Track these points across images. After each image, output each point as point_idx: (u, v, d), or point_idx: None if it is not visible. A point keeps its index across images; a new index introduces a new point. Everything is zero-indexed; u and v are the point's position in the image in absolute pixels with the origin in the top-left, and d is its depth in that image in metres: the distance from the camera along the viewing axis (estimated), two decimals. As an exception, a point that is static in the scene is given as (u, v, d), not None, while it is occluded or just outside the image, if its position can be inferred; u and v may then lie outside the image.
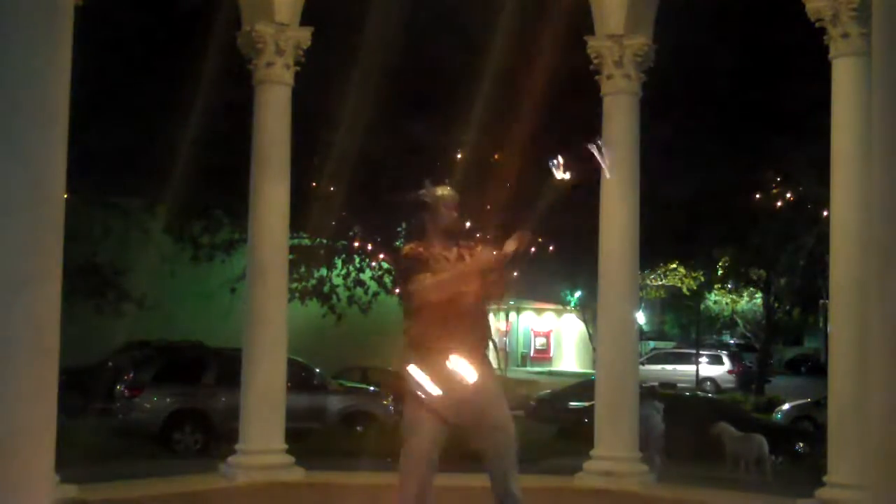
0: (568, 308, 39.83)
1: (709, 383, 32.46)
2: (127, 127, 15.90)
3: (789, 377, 38.62)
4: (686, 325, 43.52)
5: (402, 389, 5.15)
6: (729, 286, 34.45)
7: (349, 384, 19.69)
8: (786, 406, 22.33)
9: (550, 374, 39.23)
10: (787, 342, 44.65)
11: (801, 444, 17.51)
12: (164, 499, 7.73)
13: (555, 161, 5.05)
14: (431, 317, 4.98)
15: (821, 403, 17.40)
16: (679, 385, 27.70)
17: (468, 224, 5.46)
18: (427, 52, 14.99)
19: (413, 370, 4.95)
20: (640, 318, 32.70)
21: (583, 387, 20.55)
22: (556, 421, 19.11)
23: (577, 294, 35.32)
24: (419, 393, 4.93)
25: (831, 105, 7.52)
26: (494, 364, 5.36)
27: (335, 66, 13.33)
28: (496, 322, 41.15)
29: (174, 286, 22.53)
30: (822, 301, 31.72)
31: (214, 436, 14.80)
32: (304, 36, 8.85)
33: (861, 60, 7.12)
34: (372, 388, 19.26)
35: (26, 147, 4.50)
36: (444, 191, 5.28)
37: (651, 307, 43.80)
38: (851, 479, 6.90)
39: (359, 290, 20.21)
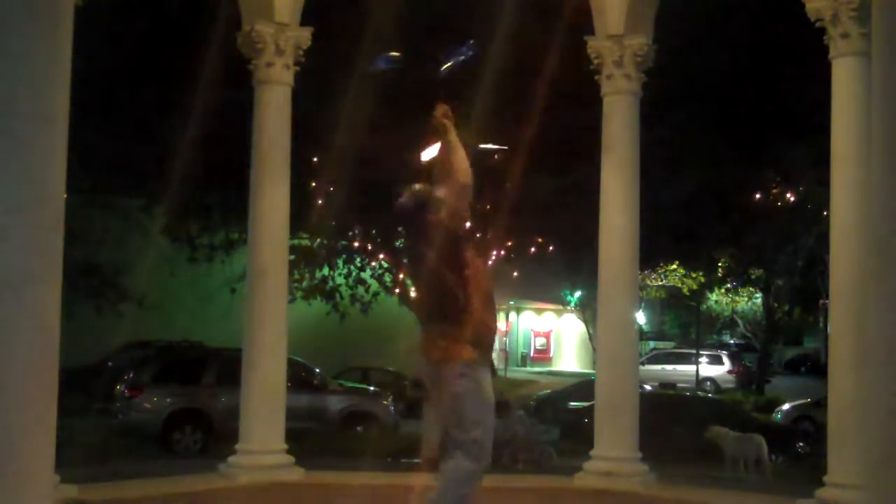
0: (568, 308, 39.86)
1: (709, 383, 32.46)
2: (127, 127, 15.88)
3: (789, 377, 38.64)
4: (686, 325, 43.56)
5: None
6: (729, 286, 34.45)
7: (349, 384, 19.71)
8: (786, 406, 22.33)
9: (550, 374, 39.24)
10: (787, 342, 44.67)
11: (801, 444, 17.51)
12: (164, 499, 7.73)
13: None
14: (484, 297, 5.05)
15: (821, 403, 17.39)
16: (679, 385, 27.76)
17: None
18: (426, 51, 14.97)
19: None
20: (640, 318, 32.70)
21: (583, 387, 20.55)
22: (556, 421, 19.10)
23: (577, 294, 35.35)
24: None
25: (831, 105, 7.52)
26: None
27: (335, 66, 13.32)
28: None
29: (174, 286, 22.53)
30: (822, 301, 31.73)
31: (214, 436, 14.81)
32: (304, 36, 8.85)
33: (861, 60, 7.12)
34: (372, 389, 19.28)
35: (26, 147, 4.50)
36: (421, 186, 5.26)
37: (651, 307, 43.82)
38: (851, 479, 6.90)
39: (360, 289, 20.23)
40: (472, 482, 5.00)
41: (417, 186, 5.27)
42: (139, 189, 18.42)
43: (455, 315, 4.97)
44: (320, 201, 17.03)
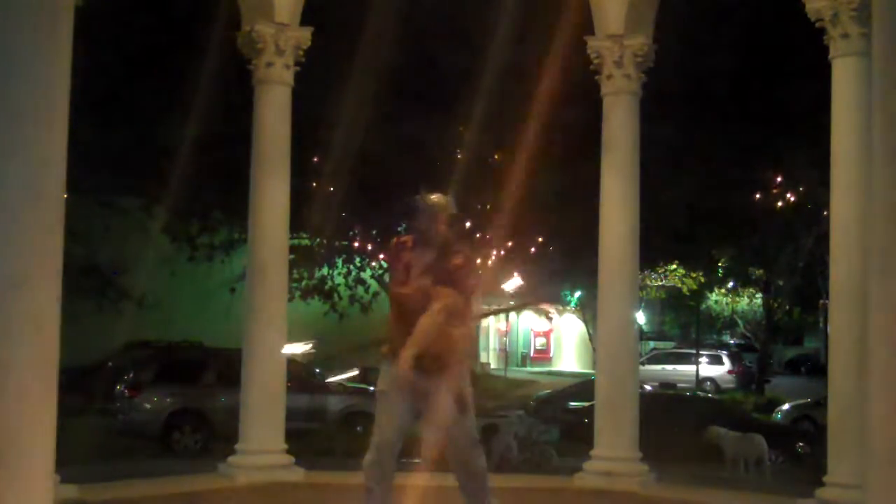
0: (568, 308, 39.84)
1: (709, 383, 32.45)
2: (127, 127, 15.89)
3: (789, 377, 38.63)
4: (686, 325, 43.52)
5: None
6: (729, 286, 34.42)
7: (349, 384, 19.71)
8: (786, 406, 22.33)
9: (550, 374, 39.23)
10: (787, 342, 44.68)
11: (801, 444, 17.51)
12: (164, 499, 7.73)
13: None
14: (401, 318, 5.39)
15: (821, 403, 17.37)
16: (679, 385, 27.74)
17: (458, 235, 5.61)
18: (427, 51, 14.99)
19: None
20: (640, 318, 32.71)
21: (583, 387, 20.55)
22: (556, 421, 19.09)
23: (577, 294, 35.33)
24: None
25: (831, 105, 7.52)
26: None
27: (335, 66, 13.33)
28: (496, 323, 41.17)
29: (174, 286, 22.54)
30: (822, 301, 31.72)
31: (214, 436, 14.81)
32: (304, 36, 8.85)
33: (861, 60, 7.12)
34: (372, 389, 19.27)
35: (26, 147, 4.50)
36: (435, 200, 5.39)
37: (651, 307, 43.77)
38: (851, 479, 6.89)
39: (360, 289, 20.25)
40: (369, 472, 5.30)
41: (434, 198, 5.42)
42: (139, 189, 18.44)
43: None
44: (320, 201, 17.04)
